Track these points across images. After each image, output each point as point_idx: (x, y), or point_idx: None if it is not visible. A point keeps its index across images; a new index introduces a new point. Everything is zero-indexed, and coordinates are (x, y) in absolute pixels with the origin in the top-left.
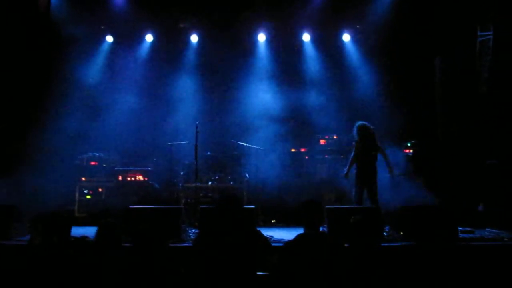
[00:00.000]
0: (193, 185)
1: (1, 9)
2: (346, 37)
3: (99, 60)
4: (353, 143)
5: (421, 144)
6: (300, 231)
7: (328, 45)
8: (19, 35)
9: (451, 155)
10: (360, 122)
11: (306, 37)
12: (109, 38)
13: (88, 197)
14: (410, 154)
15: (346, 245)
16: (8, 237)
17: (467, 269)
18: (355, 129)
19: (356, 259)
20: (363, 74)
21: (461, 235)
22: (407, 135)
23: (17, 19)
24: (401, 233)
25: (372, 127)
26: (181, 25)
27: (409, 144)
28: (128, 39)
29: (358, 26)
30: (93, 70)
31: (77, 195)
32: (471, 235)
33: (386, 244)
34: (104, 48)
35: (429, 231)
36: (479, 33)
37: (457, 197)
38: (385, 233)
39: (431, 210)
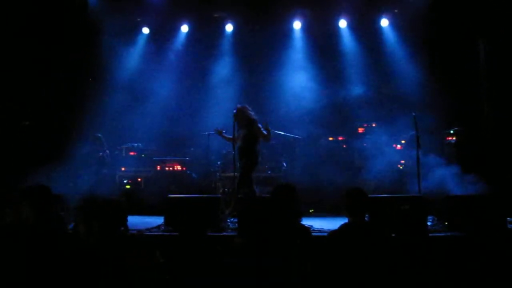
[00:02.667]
0: (231, 174)
1: (39, 5)
2: (384, 22)
3: (136, 52)
4: (260, 125)
5: (465, 131)
6: (339, 220)
7: (365, 31)
8: (57, 29)
9: (498, 142)
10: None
11: (342, 23)
12: (145, 30)
13: (128, 186)
14: (453, 142)
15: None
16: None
17: None
18: (250, 112)
19: (403, 249)
20: (402, 60)
21: (510, 226)
22: (449, 122)
23: (55, 13)
24: (446, 223)
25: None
26: (216, 15)
27: (451, 131)
28: (164, 30)
29: (396, 10)
30: (131, 62)
31: (117, 184)
32: None
33: (431, 235)
34: (141, 39)
35: (476, 221)
36: None
37: (506, 186)
38: (429, 223)
39: (477, 200)
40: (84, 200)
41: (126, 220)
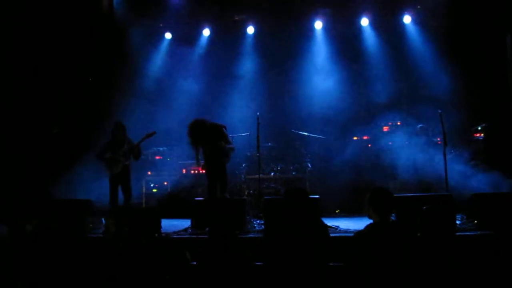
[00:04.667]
0: (256, 176)
1: (67, 12)
2: (407, 19)
3: (160, 57)
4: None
5: (493, 127)
6: (365, 221)
7: (388, 28)
8: (85, 35)
9: None
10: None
11: (364, 21)
12: (168, 35)
13: (154, 190)
14: (481, 138)
15: (418, 234)
16: (84, 230)
17: None
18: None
19: (429, 249)
20: (426, 56)
21: None
22: (476, 119)
23: (83, 20)
24: (475, 221)
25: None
26: (236, 18)
27: (479, 128)
28: (186, 35)
29: (419, 6)
30: (154, 67)
31: (144, 188)
32: None
33: (460, 234)
34: (164, 44)
35: (505, 220)
36: None
37: None
38: (458, 222)
39: (507, 197)
40: (115, 207)
41: (160, 226)
